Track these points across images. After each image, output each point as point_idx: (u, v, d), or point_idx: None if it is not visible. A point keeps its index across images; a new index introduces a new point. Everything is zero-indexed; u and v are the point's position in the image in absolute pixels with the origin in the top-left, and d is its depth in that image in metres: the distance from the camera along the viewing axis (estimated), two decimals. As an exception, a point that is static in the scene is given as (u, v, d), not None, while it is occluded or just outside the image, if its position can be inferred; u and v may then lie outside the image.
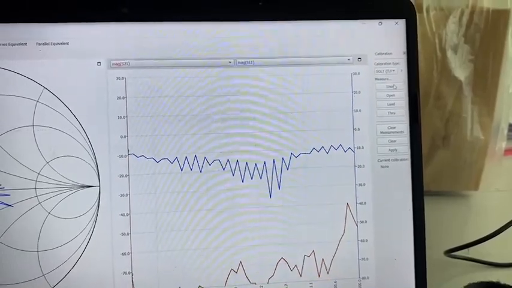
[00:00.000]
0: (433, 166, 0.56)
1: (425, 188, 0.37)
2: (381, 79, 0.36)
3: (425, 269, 0.36)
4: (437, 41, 0.50)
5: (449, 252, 0.45)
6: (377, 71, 0.36)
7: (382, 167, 0.36)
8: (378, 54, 0.36)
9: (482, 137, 0.55)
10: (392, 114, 0.36)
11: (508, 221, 0.43)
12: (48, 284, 0.34)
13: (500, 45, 0.51)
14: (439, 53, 0.51)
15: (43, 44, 0.34)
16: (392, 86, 0.36)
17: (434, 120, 0.54)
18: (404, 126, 0.36)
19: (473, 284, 0.36)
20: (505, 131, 0.55)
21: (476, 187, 0.58)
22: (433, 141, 0.55)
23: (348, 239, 0.36)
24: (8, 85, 0.34)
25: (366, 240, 0.36)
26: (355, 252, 0.36)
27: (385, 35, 0.36)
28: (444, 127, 0.55)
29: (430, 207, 0.37)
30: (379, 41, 0.36)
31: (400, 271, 0.36)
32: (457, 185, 0.58)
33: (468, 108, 0.53)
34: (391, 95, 0.36)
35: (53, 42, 0.34)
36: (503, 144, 0.56)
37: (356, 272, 0.36)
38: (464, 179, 0.57)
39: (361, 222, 0.36)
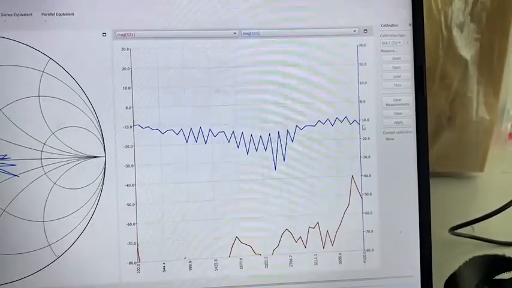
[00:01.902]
0: (438, 147, 0.56)
1: (430, 169, 0.36)
2: (386, 51, 0.36)
3: (431, 240, 0.36)
4: (443, 18, 0.50)
5: (453, 230, 0.45)
6: (383, 43, 0.36)
7: (387, 139, 0.36)
8: (384, 26, 0.36)
9: (487, 118, 0.54)
10: (398, 87, 0.36)
11: (513, 199, 0.43)
12: (53, 254, 0.34)
13: (507, 24, 0.50)
14: (444, 31, 0.50)
15: (48, 14, 0.34)
16: (399, 58, 0.36)
17: (440, 100, 0.54)
18: (410, 98, 0.36)
19: (478, 256, 0.36)
20: (511, 112, 0.55)
21: (481, 169, 0.57)
22: (438, 121, 0.55)
23: (353, 211, 0.36)
24: (13, 55, 0.34)
25: (371, 213, 0.36)
26: (360, 225, 0.36)
27: (391, 7, 0.36)
28: (449, 107, 0.54)
29: (435, 188, 0.37)
30: (385, 13, 0.36)
31: (405, 243, 0.36)
32: (463, 166, 0.58)
33: (474, 88, 0.53)
34: (397, 67, 0.36)
35: (59, 12, 0.34)
36: (509, 125, 0.55)
37: (361, 244, 0.36)
38: (469, 160, 0.57)
39: (366, 194, 0.36)
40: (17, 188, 0.34)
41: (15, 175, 0.34)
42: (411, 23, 0.36)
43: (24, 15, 0.34)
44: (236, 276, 0.35)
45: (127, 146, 0.35)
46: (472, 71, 0.52)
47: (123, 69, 0.35)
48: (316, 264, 0.36)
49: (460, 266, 0.35)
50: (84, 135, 0.34)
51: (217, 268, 0.35)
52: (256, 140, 0.35)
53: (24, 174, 0.34)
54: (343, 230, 0.36)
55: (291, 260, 0.35)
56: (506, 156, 0.58)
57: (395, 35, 0.36)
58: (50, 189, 0.34)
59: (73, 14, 0.34)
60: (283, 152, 0.36)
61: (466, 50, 0.51)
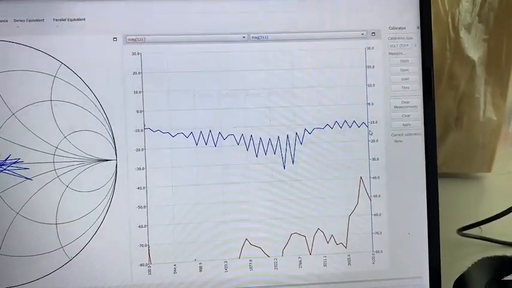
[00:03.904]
0: (445, 147, 0.56)
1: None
2: (394, 53, 0.36)
3: (439, 242, 0.36)
4: (450, 20, 0.50)
5: (461, 231, 0.45)
6: (391, 46, 0.36)
7: (395, 141, 0.36)
8: (392, 28, 0.36)
9: (495, 118, 0.54)
10: (406, 89, 0.36)
11: (521, 200, 0.43)
12: (66, 256, 0.34)
13: (514, 25, 0.51)
14: (452, 33, 0.51)
15: (60, 20, 0.35)
16: (406, 61, 0.36)
17: (447, 101, 0.54)
18: (418, 100, 0.36)
19: (486, 258, 0.36)
20: (519, 112, 0.55)
21: (489, 169, 0.58)
22: (446, 122, 0.55)
23: (362, 213, 0.36)
24: (26, 60, 0.34)
25: (380, 214, 0.36)
26: (369, 226, 0.36)
27: (399, 10, 0.36)
28: (457, 108, 0.54)
29: (442, 189, 0.37)
30: (393, 16, 0.36)
31: (414, 244, 0.36)
32: (470, 167, 0.58)
33: (481, 88, 0.53)
34: (405, 70, 0.36)
35: (70, 18, 0.35)
36: (516, 126, 0.55)
37: (369, 245, 0.36)
38: (476, 160, 0.57)
39: (375, 196, 0.36)
40: (30, 191, 0.34)
41: (28, 178, 0.34)
42: (419, 25, 0.36)
43: (36, 20, 0.34)
44: (246, 277, 0.35)
45: (138, 149, 0.35)
46: (480, 71, 0.52)
47: (134, 73, 0.35)
48: (325, 265, 0.36)
49: (469, 267, 0.35)
50: (96, 138, 0.35)
51: (228, 270, 0.35)
52: (265, 142, 0.36)
53: (37, 178, 0.34)
54: (352, 231, 0.36)
55: (300, 261, 0.36)
56: (514, 156, 0.58)
57: (403, 38, 0.36)
58: (62, 192, 0.34)
59: (84, 19, 0.35)
60: (292, 154, 0.36)
61: (474, 51, 0.52)
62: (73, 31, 0.35)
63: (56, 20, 0.35)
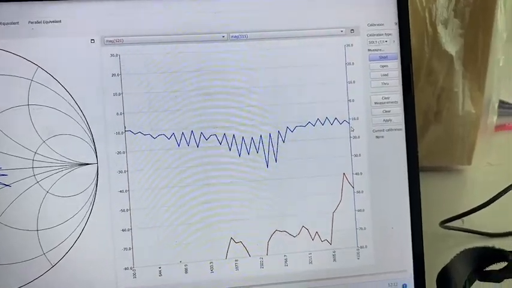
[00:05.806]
0: (425, 142, 0.56)
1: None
2: (374, 50, 0.36)
3: (422, 235, 0.36)
4: (427, 15, 0.51)
5: (443, 223, 0.45)
6: (370, 42, 0.36)
7: (377, 137, 0.37)
8: (370, 25, 0.36)
9: (473, 111, 0.55)
10: (386, 85, 0.37)
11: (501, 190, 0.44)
12: (49, 262, 0.34)
13: (489, 19, 0.51)
14: (429, 28, 0.51)
15: (35, 22, 0.34)
16: (386, 57, 0.36)
17: (427, 96, 0.54)
18: (398, 96, 0.37)
19: (468, 249, 0.36)
20: (496, 105, 0.56)
21: (469, 162, 0.58)
22: (426, 116, 0.55)
23: (345, 209, 0.36)
24: (1, 65, 0.34)
25: (363, 210, 0.36)
26: (353, 222, 0.36)
27: (377, 6, 0.37)
28: (436, 102, 0.55)
29: (423, 182, 0.37)
30: (371, 13, 0.36)
31: (397, 239, 0.36)
32: (450, 160, 0.59)
33: (459, 82, 0.54)
34: (385, 66, 0.36)
35: (46, 20, 0.34)
36: (494, 118, 0.56)
37: (354, 241, 0.36)
38: (457, 153, 0.58)
39: (358, 192, 0.36)
40: (9, 198, 0.34)
41: (6, 185, 0.34)
42: (397, 21, 0.37)
43: (11, 23, 0.34)
44: (232, 278, 0.35)
45: (119, 152, 0.35)
46: (458, 66, 0.53)
47: (113, 75, 0.35)
48: (311, 262, 0.36)
49: (452, 259, 0.36)
50: (76, 142, 0.34)
51: (213, 271, 0.35)
52: (247, 142, 0.36)
53: (16, 184, 0.34)
54: (337, 228, 0.36)
55: (286, 259, 0.36)
56: (493, 148, 0.58)
57: (382, 34, 0.37)
58: (42, 197, 0.34)
59: (60, 21, 0.34)
60: (275, 153, 0.36)
61: (451, 45, 0.52)
62: (49, 33, 0.34)
63: (31, 22, 0.34)
